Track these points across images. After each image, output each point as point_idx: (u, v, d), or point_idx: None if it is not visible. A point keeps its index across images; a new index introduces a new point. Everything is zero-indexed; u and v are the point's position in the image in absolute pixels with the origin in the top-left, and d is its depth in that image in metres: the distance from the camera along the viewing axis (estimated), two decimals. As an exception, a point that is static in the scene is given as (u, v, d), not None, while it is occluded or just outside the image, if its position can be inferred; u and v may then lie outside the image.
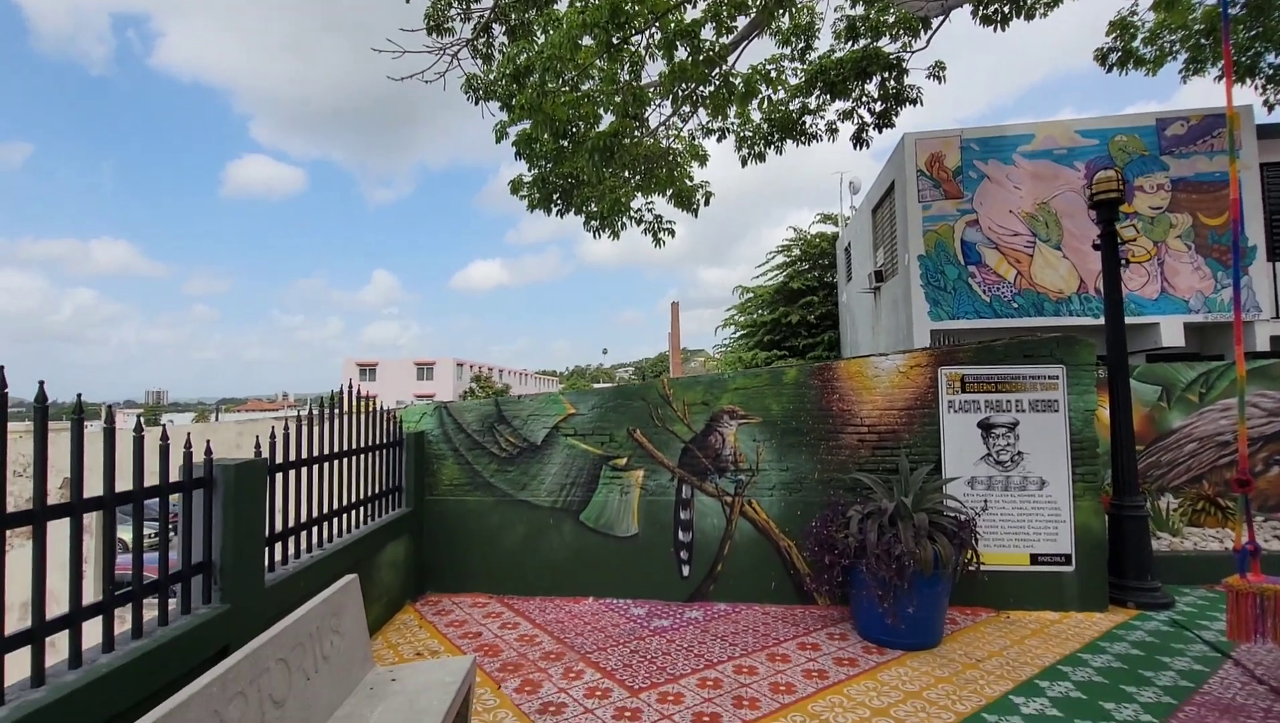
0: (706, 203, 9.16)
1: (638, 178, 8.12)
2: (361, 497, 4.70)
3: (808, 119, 8.30)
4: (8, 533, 2.07)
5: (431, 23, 7.08)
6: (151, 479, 2.65)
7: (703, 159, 8.87)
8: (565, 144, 7.95)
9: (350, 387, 4.52)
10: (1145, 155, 10.26)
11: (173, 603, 2.77)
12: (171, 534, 2.99)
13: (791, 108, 8.19)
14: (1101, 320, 5.81)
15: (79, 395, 2.26)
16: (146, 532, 2.66)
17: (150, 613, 2.65)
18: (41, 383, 2.17)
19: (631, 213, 8.54)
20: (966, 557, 4.49)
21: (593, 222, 8.37)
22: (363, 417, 4.71)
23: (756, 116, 8.46)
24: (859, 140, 8.01)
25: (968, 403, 5.20)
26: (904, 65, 7.67)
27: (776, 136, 8.37)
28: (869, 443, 5.29)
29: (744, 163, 8.72)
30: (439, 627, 4.93)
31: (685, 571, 5.43)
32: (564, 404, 5.74)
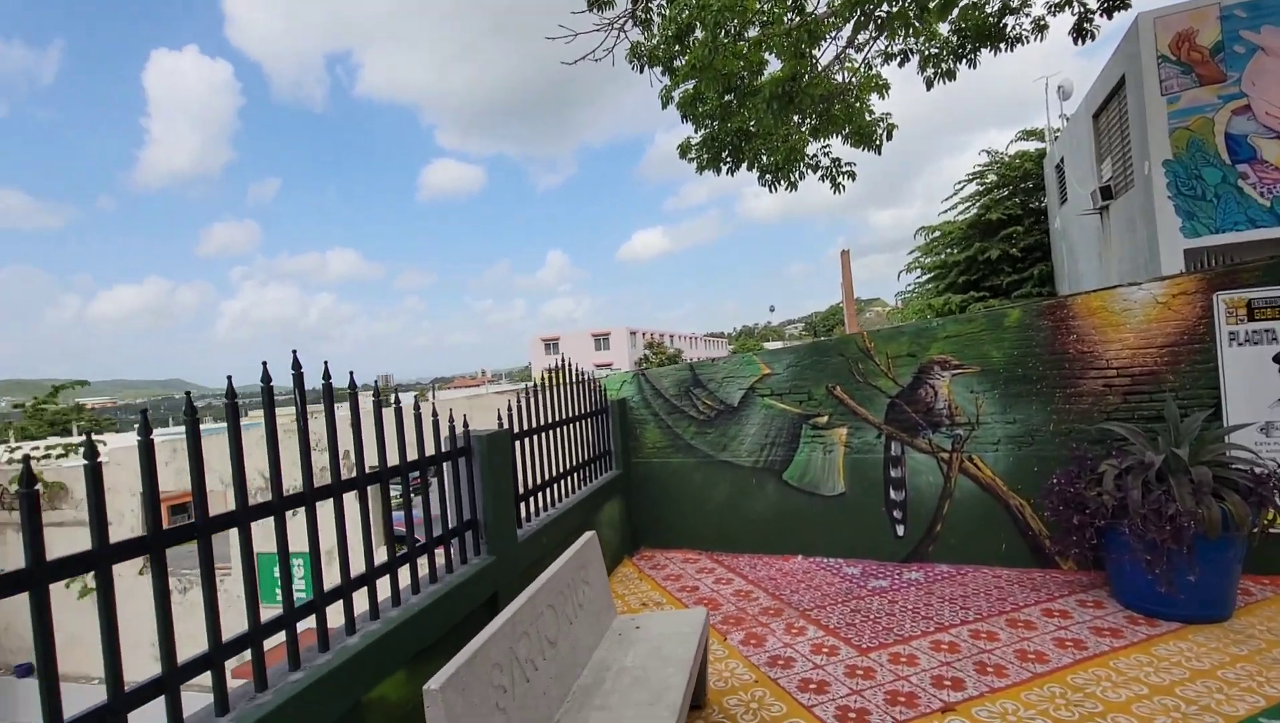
0: (889, 137, 8.39)
1: (813, 120, 7.66)
2: (581, 460, 5.10)
3: (1009, 20, 7.20)
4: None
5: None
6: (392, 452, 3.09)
7: (882, 89, 8.12)
8: (731, 99, 7.73)
9: (565, 360, 4.89)
10: None
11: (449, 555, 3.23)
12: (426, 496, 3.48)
13: (988, 10, 7.15)
14: None
15: (377, 380, 2.70)
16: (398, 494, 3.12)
17: (430, 566, 3.12)
18: (351, 373, 2.62)
19: (808, 159, 8.11)
20: (1266, 517, 3.75)
21: (767, 175, 8.08)
22: (576, 387, 5.08)
23: (944, 29, 7.51)
24: (1080, 33, 6.78)
25: (1257, 334, 4.27)
26: (1140, -71, 6.30)
27: (969, 48, 7.37)
28: (1118, 388, 4.58)
29: (929, 85, 7.81)
30: (657, 580, 5.25)
31: (900, 530, 5.19)
32: (758, 365, 5.70)
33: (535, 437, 4.25)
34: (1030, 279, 16.31)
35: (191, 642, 1.87)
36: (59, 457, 9.91)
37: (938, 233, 19.85)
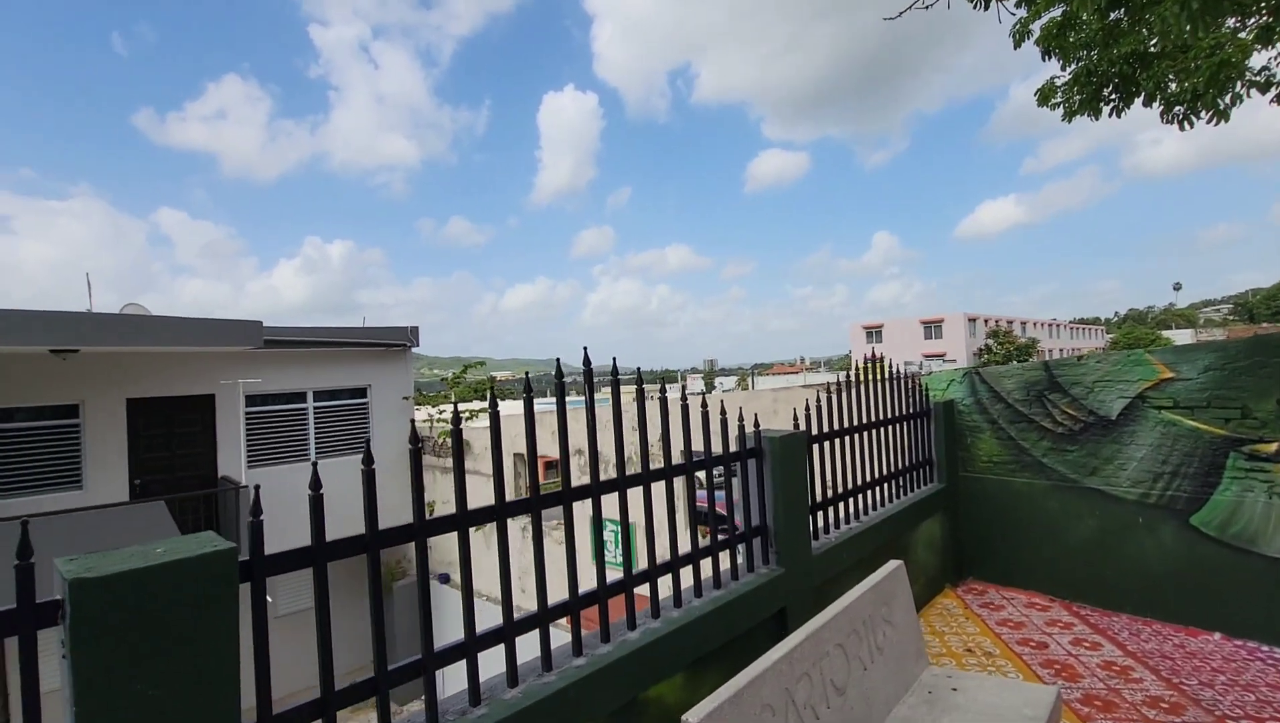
0: None
1: (1264, 16, 5.36)
2: (893, 470, 4.49)
3: None
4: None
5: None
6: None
7: None
8: (1120, 15, 5.92)
9: (874, 354, 4.33)
10: None
11: (738, 561, 3.07)
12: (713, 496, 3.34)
13: None
14: None
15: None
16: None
17: (715, 571, 2.99)
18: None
19: (1251, 76, 5.75)
20: None
21: (1177, 107, 5.98)
22: (888, 385, 4.47)
23: None
24: None
25: None
26: None
27: None
28: None
29: None
30: (988, 622, 4.34)
31: None
32: (1153, 365, 4.24)
33: (838, 440, 3.84)
34: None
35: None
36: (467, 419, 12.96)
37: None
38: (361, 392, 11.93)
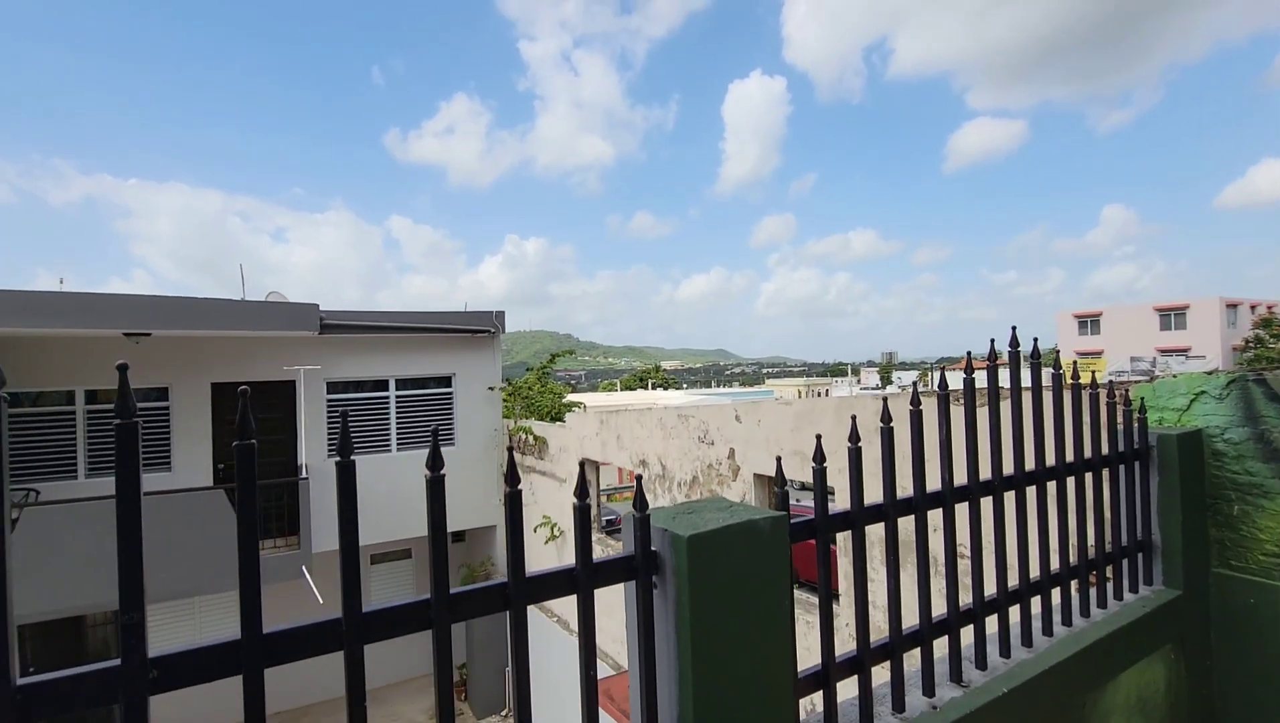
0: None
1: None
2: (1047, 573, 2.31)
3: None
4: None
5: None
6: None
7: None
8: None
9: (994, 352, 2.18)
10: None
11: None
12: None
13: None
14: None
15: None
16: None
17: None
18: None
19: None
20: None
21: None
22: (1054, 400, 2.29)
23: None
24: None
25: None
26: None
27: None
28: None
29: None
30: None
31: None
32: None
33: (907, 518, 1.84)
34: None
35: None
36: (558, 416, 11.77)
37: None
38: (446, 381, 11.32)
